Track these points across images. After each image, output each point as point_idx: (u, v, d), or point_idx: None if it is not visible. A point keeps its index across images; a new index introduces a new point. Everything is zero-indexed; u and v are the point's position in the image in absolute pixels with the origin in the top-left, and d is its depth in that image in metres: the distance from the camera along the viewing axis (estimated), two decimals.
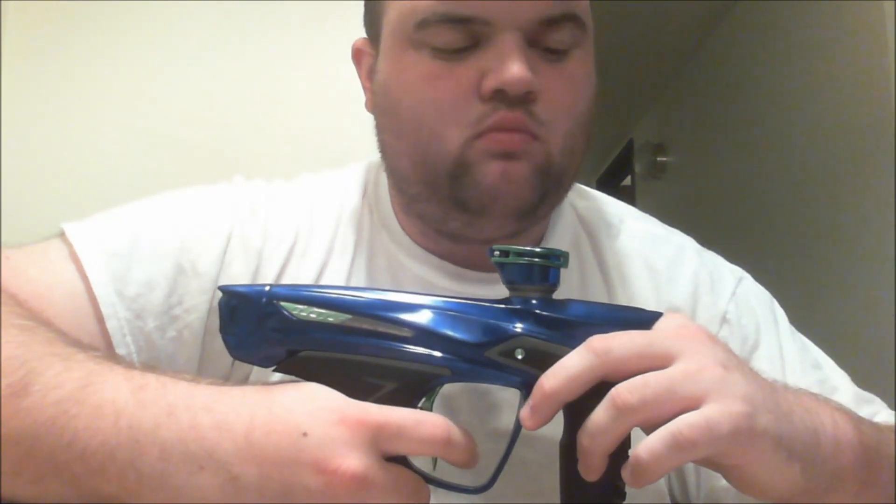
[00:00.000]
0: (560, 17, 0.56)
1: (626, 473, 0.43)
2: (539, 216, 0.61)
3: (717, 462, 0.44)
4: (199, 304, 0.60)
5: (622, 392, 0.42)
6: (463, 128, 0.56)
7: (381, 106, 0.61)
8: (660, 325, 0.47)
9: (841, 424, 0.49)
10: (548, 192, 0.59)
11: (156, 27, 1.40)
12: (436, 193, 0.59)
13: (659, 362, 0.43)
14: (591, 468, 0.43)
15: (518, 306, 0.46)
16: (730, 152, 2.46)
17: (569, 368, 0.43)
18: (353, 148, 1.23)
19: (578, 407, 0.44)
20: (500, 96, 0.55)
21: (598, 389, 0.43)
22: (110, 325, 0.57)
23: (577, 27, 0.57)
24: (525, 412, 0.44)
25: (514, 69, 0.54)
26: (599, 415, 0.43)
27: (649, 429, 0.43)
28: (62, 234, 0.61)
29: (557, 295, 0.48)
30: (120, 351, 0.57)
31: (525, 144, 0.56)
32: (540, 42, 0.57)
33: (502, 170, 0.56)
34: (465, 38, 0.56)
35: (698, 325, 0.49)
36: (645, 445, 0.42)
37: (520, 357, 0.45)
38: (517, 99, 0.55)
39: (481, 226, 0.59)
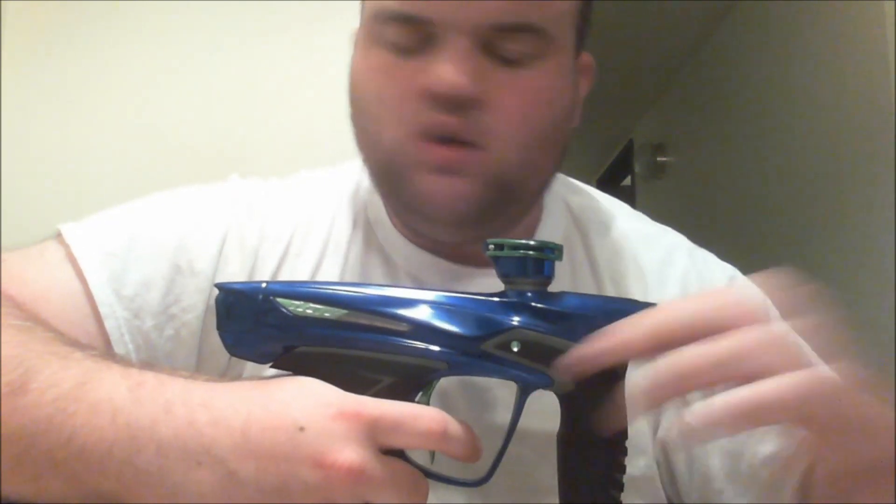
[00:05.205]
0: (514, 25, 0.55)
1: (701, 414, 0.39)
2: (496, 226, 0.59)
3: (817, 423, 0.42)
4: (196, 303, 0.61)
5: (688, 354, 0.40)
6: (398, 125, 0.56)
7: (349, 97, 0.62)
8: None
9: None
10: (500, 205, 0.57)
11: (155, 27, 1.40)
12: (384, 189, 0.60)
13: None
14: (623, 416, 0.42)
15: (513, 299, 0.46)
16: (730, 152, 2.46)
17: (631, 329, 0.42)
18: (353, 148, 1.22)
19: (577, 398, 0.44)
20: (439, 100, 0.54)
21: (605, 378, 0.43)
22: (109, 324, 0.58)
23: (538, 38, 0.55)
24: (571, 357, 0.43)
25: (442, 71, 0.53)
26: (661, 366, 0.41)
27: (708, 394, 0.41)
28: (59, 235, 0.61)
29: (550, 289, 0.48)
30: (118, 350, 0.57)
31: (465, 159, 0.55)
32: (496, 50, 0.55)
33: (442, 186, 0.55)
34: (419, 37, 0.55)
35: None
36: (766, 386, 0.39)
37: (516, 349, 0.45)
38: (452, 103, 0.54)
39: (436, 231, 0.58)
